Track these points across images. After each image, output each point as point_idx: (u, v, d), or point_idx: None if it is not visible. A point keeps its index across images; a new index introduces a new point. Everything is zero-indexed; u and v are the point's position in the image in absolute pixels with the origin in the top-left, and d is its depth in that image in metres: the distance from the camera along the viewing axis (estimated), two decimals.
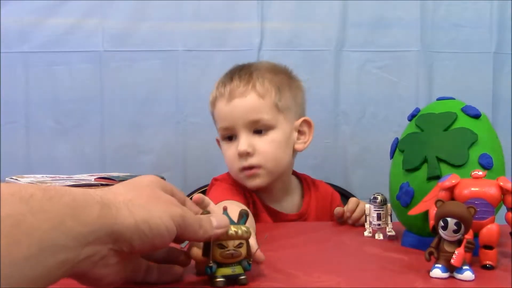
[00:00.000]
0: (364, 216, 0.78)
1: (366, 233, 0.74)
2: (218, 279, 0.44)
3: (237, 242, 0.44)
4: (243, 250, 0.45)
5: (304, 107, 1.00)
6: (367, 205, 0.75)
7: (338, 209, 0.87)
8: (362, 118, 1.42)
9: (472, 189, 0.55)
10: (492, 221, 0.55)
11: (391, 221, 0.73)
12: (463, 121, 0.65)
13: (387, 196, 0.74)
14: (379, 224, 0.73)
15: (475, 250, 0.51)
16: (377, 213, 0.73)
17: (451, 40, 1.42)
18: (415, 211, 0.62)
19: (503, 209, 0.57)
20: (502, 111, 1.41)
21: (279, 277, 0.50)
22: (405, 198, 0.66)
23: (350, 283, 0.50)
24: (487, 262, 0.54)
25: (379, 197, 0.73)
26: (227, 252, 0.43)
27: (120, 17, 1.39)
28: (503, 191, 0.55)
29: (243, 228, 0.45)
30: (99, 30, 1.39)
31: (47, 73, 1.39)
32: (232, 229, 0.44)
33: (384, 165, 0.77)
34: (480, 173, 0.57)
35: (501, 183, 0.55)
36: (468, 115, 0.66)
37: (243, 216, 0.47)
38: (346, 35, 1.41)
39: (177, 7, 1.40)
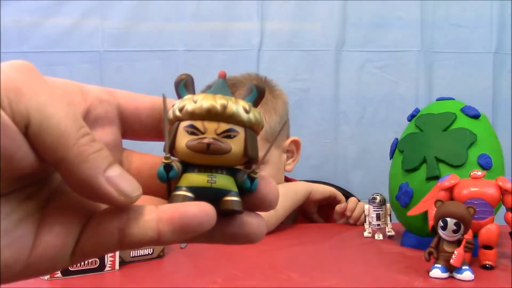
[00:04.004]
0: (363, 215, 0.78)
1: (365, 234, 0.74)
2: (179, 192, 0.21)
3: (224, 126, 0.21)
4: (235, 144, 0.21)
5: (288, 119, 0.94)
6: (366, 206, 0.75)
7: (340, 206, 0.86)
8: (362, 118, 1.42)
9: (471, 189, 0.55)
10: (492, 221, 0.55)
11: (391, 221, 0.73)
12: (462, 122, 0.65)
13: (387, 196, 0.74)
14: (378, 224, 0.73)
15: (474, 250, 0.51)
16: (376, 213, 0.73)
17: (451, 40, 1.42)
18: (414, 211, 0.62)
19: (503, 209, 0.57)
20: (502, 111, 1.41)
21: (278, 277, 0.50)
22: (404, 198, 0.66)
23: (350, 283, 0.50)
24: (487, 262, 0.54)
25: (378, 197, 0.73)
26: (199, 140, 0.21)
27: (120, 17, 1.39)
28: (502, 191, 0.55)
29: (243, 104, 0.21)
30: (99, 30, 1.39)
31: (47, 73, 1.32)
32: (217, 101, 0.21)
33: (384, 165, 0.77)
34: (479, 173, 0.57)
35: (500, 183, 0.55)
36: (467, 115, 0.66)
37: (252, 90, 0.22)
38: (346, 35, 1.41)
39: (177, 7, 1.40)
